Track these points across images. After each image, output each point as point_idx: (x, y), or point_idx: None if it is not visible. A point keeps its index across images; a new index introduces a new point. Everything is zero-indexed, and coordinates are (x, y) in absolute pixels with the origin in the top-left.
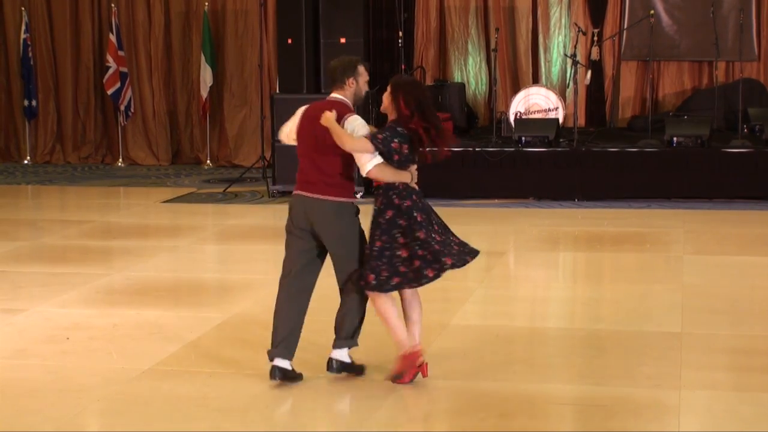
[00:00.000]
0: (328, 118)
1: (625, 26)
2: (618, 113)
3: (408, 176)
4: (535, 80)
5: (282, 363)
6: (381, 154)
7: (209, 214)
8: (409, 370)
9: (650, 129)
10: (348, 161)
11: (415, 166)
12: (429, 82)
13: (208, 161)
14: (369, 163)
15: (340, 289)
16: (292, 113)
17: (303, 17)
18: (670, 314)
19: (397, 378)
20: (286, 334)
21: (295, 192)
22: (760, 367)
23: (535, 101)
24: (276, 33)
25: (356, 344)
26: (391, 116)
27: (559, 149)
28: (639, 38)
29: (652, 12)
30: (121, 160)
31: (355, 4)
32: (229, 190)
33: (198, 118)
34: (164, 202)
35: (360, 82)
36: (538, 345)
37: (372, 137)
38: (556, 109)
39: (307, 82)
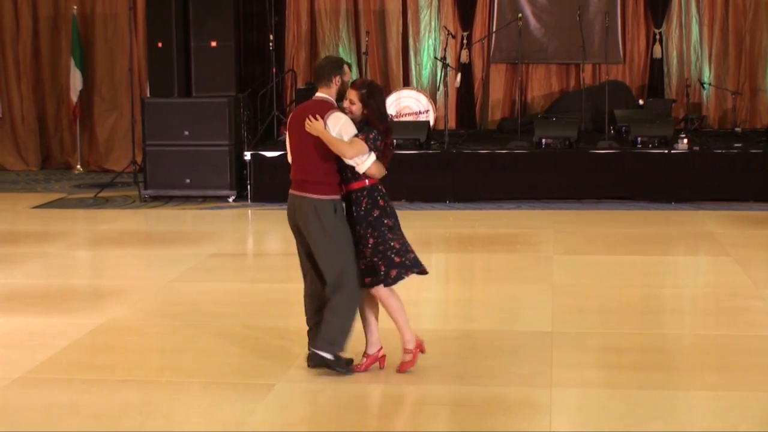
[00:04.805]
0: (318, 129)
1: (494, 29)
2: (488, 115)
3: (384, 168)
4: (406, 83)
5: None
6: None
7: (80, 220)
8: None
9: (519, 131)
10: (330, 160)
11: None
12: (300, 85)
13: (79, 166)
14: (367, 161)
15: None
16: (162, 117)
17: (173, 21)
18: (541, 314)
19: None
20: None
21: (289, 192)
22: (629, 364)
23: (406, 104)
24: (146, 36)
25: (341, 350)
26: (357, 116)
27: (431, 151)
28: (507, 41)
29: (520, 15)
30: None
31: (226, 7)
32: (100, 195)
33: (68, 123)
34: (34, 207)
35: (345, 80)
36: None
37: (365, 139)
38: (427, 111)
39: (178, 85)
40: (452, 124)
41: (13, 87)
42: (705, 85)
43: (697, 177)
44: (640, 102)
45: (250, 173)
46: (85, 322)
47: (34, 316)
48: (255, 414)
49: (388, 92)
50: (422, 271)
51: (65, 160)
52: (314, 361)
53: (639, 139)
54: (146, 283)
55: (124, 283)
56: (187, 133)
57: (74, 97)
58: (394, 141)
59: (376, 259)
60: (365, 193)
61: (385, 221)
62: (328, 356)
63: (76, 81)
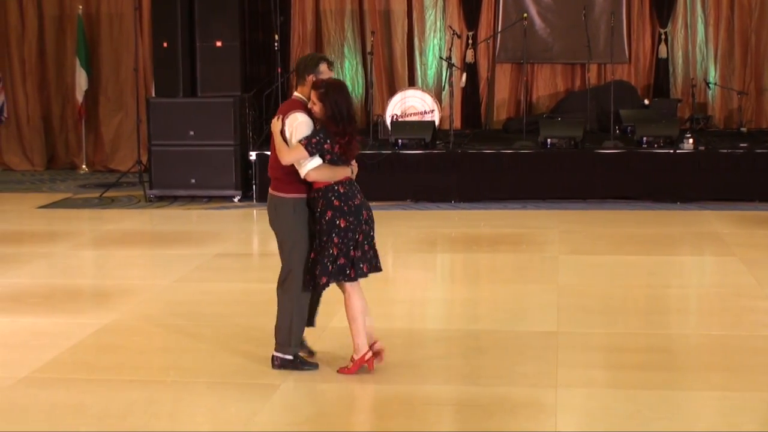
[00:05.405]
0: (275, 130)
1: (499, 29)
2: (493, 115)
3: (348, 171)
4: (411, 83)
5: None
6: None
7: (85, 220)
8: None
9: (525, 131)
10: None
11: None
12: None
13: (84, 166)
14: (306, 166)
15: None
16: (168, 117)
17: (178, 21)
18: (546, 314)
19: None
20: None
21: None
22: (634, 364)
23: (412, 104)
24: (151, 36)
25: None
26: (320, 116)
27: (436, 151)
28: (513, 41)
29: (525, 15)
30: None
31: (231, 7)
32: (105, 195)
33: (73, 123)
34: (39, 207)
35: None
36: (416, 346)
37: (307, 143)
38: (432, 111)
39: (184, 85)
40: (457, 124)
41: (19, 87)
42: (710, 85)
43: (702, 177)
44: (646, 102)
45: (256, 173)
46: (90, 322)
47: (39, 316)
48: (260, 414)
49: (394, 92)
50: (347, 279)
51: (70, 160)
52: (275, 363)
53: (644, 138)
54: (151, 283)
55: (129, 283)
56: (192, 133)
57: (79, 97)
58: (402, 140)
59: (316, 262)
60: (320, 194)
61: (338, 222)
62: (288, 357)
63: (81, 81)
